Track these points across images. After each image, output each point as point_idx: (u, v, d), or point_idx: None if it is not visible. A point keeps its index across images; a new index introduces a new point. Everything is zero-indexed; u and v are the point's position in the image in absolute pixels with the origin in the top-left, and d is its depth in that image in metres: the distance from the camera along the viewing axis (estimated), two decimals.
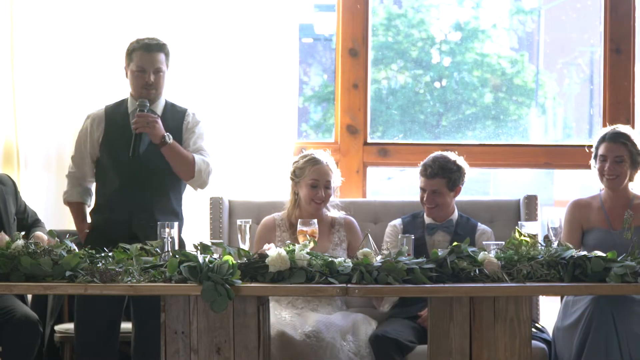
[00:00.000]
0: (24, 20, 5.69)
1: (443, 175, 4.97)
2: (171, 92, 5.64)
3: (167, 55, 4.91)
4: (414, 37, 6.56)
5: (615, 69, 5.86)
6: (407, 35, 6.55)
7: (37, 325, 4.76)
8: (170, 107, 4.97)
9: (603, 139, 4.92)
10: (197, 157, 4.86)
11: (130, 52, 4.88)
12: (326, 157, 5.02)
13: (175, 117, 4.94)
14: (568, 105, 6.79)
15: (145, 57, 4.84)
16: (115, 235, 4.57)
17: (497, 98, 6.51)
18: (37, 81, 5.71)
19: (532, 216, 5.28)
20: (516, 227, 4.26)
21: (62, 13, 5.70)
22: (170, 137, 4.80)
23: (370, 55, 5.95)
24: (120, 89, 5.26)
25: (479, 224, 5.12)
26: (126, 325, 4.96)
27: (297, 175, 5.00)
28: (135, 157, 4.78)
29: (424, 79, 6.54)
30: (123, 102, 4.98)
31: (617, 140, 4.88)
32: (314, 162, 4.97)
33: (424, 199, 5.00)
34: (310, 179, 4.95)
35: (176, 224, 4.26)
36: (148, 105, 4.82)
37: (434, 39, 6.56)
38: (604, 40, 5.88)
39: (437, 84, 6.54)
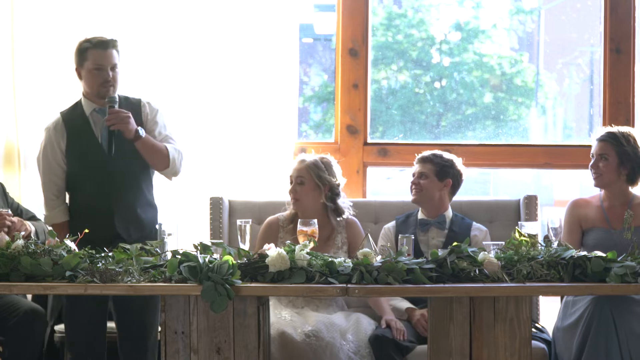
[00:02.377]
0: (25, 21, 5.69)
1: (433, 161, 5.06)
2: (171, 92, 5.65)
3: (118, 51, 4.86)
4: (414, 37, 6.56)
5: (615, 69, 5.86)
6: (407, 35, 6.55)
7: (44, 316, 4.79)
8: (124, 101, 4.90)
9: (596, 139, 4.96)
10: (168, 146, 4.85)
11: (84, 52, 4.80)
12: (310, 157, 5.05)
13: (132, 110, 4.86)
14: (568, 105, 6.79)
15: (102, 55, 4.78)
16: (98, 238, 4.50)
17: (497, 98, 6.51)
18: (37, 82, 5.70)
19: (532, 216, 5.28)
20: (516, 227, 4.26)
21: (63, 14, 5.69)
22: (143, 130, 4.77)
23: (370, 55, 5.95)
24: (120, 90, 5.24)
25: (474, 222, 5.13)
26: (112, 325, 4.96)
27: None
28: (112, 155, 4.75)
29: (424, 79, 6.54)
30: (77, 105, 4.91)
31: (603, 139, 4.91)
32: (297, 160, 5.08)
33: (412, 182, 5.10)
34: (290, 175, 5.03)
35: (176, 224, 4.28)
36: (118, 100, 4.78)
37: (434, 39, 6.56)
38: (604, 40, 5.88)
39: (437, 84, 6.54)
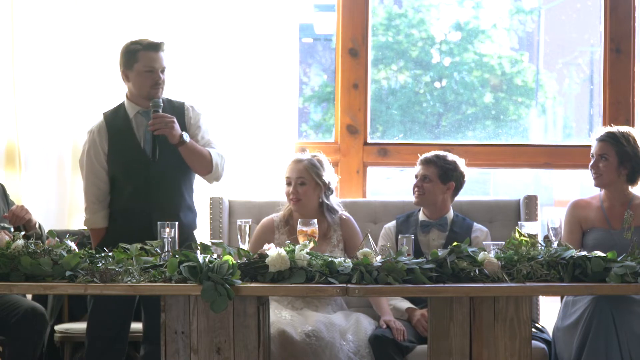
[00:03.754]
0: (25, 22, 5.69)
1: (436, 164, 5.03)
2: (171, 92, 5.65)
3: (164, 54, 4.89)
4: (414, 37, 6.56)
5: (615, 69, 5.86)
6: (407, 35, 6.55)
7: (44, 316, 4.79)
8: (168, 104, 4.90)
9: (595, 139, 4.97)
10: (212, 151, 4.84)
11: (135, 53, 4.80)
12: (305, 156, 5.01)
13: (175, 113, 4.86)
14: (568, 105, 6.79)
15: (154, 57, 4.79)
16: (134, 241, 4.47)
17: (497, 98, 6.51)
18: (38, 83, 5.71)
19: (532, 216, 5.28)
20: (516, 227, 4.26)
21: (63, 14, 5.70)
22: (187, 135, 4.76)
23: (370, 55, 5.95)
24: (121, 90, 5.24)
25: (475, 223, 5.12)
26: (135, 326, 4.96)
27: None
28: (155, 160, 4.73)
29: (424, 79, 6.54)
30: (120, 108, 4.91)
31: (603, 139, 4.90)
32: (291, 160, 5.03)
33: (414, 185, 5.07)
34: (286, 176, 5.00)
35: (177, 223, 4.27)
36: (162, 105, 4.78)
37: (434, 39, 6.56)
38: (604, 40, 5.89)
39: (437, 84, 6.54)
